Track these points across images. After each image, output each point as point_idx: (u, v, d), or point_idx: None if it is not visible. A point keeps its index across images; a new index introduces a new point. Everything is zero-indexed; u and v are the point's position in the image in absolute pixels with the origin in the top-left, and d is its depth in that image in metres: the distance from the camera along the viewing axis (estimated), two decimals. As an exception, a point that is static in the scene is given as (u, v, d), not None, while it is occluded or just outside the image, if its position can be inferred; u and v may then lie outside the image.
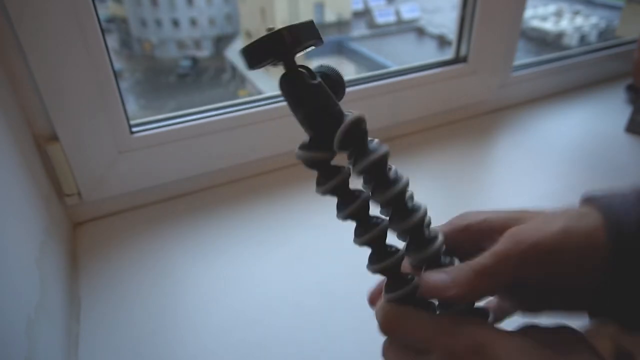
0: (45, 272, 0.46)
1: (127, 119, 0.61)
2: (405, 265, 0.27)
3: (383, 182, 0.25)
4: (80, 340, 0.48)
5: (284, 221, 0.64)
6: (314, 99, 0.24)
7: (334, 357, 0.46)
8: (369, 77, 0.78)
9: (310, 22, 0.24)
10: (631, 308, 0.24)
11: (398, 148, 0.77)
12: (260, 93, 0.77)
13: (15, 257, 0.40)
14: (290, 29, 0.23)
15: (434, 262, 0.26)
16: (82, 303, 0.52)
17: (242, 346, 0.47)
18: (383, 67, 1.35)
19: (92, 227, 0.63)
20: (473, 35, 0.82)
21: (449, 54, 0.86)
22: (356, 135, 0.24)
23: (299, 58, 0.25)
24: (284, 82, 0.24)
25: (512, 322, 0.27)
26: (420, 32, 8.10)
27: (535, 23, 6.09)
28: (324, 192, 0.26)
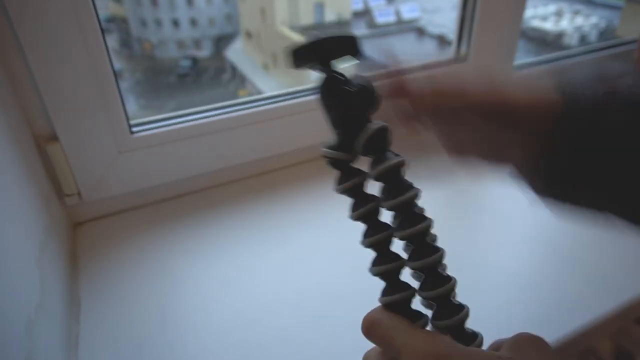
0: (45, 272, 0.46)
1: (127, 119, 0.61)
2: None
3: (394, 188, 0.26)
4: (80, 340, 0.48)
5: (284, 221, 0.64)
6: (347, 104, 0.26)
7: (334, 357, 0.46)
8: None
9: (352, 37, 0.26)
10: (560, 174, 0.25)
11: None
12: (260, 93, 0.77)
13: (15, 257, 0.40)
14: (334, 38, 0.26)
15: (433, 271, 0.26)
16: (82, 303, 0.52)
17: (242, 346, 0.47)
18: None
19: (92, 227, 0.63)
20: (473, 35, 0.82)
21: (449, 53, 0.86)
22: (379, 141, 0.26)
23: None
24: (323, 86, 0.27)
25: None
26: (420, 32, 8.11)
27: (536, 23, 6.09)
28: (341, 191, 0.28)
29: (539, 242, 0.60)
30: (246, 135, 0.69)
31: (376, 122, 0.26)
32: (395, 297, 0.26)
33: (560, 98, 0.24)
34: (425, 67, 0.28)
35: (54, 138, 0.56)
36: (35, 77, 0.51)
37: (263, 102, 0.70)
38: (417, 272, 0.27)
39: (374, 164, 0.26)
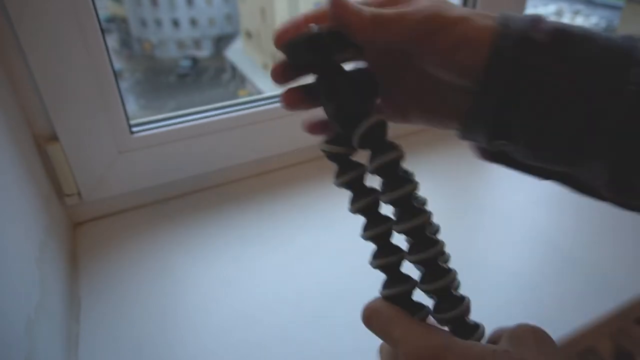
0: (45, 272, 0.46)
1: (127, 119, 0.61)
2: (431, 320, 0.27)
3: (392, 182, 0.26)
4: (80, 340, 0.48)
5: (284, 221, 0.64)
6: (343, 96, 0.26)
7: (334, 357, 0.46)
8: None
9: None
10: (498, 117, 0.24)
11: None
12: (260, 93, 0.77)
13: (15, 257, 0.40)
14: (330, 31, 0.25)
15: (433, 264, 0.26)
16: (82, 303, 0.52)
17: (242, 346, 0.47)
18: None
19: (92, 227, 0.63)
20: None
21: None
22: (374, 135, 0.25)
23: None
24: (318, 78, 0.26)
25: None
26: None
27: (536, 23, 6.08)
28: (340, 185, 0.28)
29: (539, 242, 0.60)
30: (246, 135, 0.69)
31: (374, 115, 0.25)
32: (394, 290, 0.26)
33: (495, 27, 0.24)
34: None
35: (54, 138, 0.56)
36: (35, 77, 0.51)
37: (263, 102, 0.70)
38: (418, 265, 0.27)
39: (371, 158, 0.26)
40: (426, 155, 0.77)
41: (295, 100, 0.28)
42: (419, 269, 0.27)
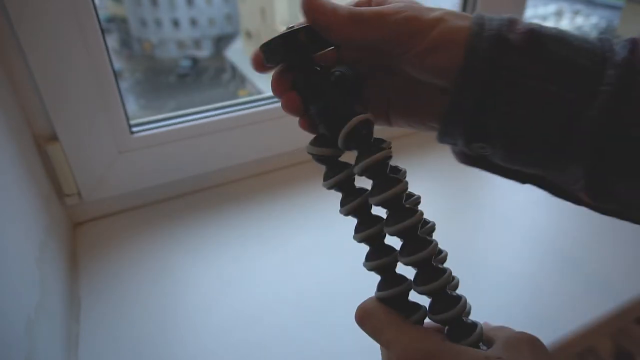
0: (45, 272, 0.46)
1: (127, 119, 0.61)
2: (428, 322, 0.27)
3: (380, 183, 0.25)
4: (80, 340, 0.48)
5: (284, 221, 0.64)
6: (325, 97, 0.25)
7: (334, 357, 0.46)
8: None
9: None
10: (476, 116, 0.24)
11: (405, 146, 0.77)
12: (260, 93, 0.77)
13: (15, 257, 0.40)
14: (307, 29, 0.25)
15: (426, 265, 0.26)
16: (82, 303, 0.52)
17: (242, 346, 0.47)
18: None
19: (92, 227, 0.63)
20: (473, 35, 0.81)
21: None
22: (359, 135, 0.25)
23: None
24: (298, 79, 0.26)
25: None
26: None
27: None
28: (329, 187, 0.27)
29: (539, 242, 0.60)
30: (246, 135, 0.69)
31: (359, 115, 0.25)
32: (388, 293, 0.26)
33: (470, 28, 0.24)
34: None
35: (54, 138, 0.56)
36: (35, 77, 0.51)
37: (263, 102, 0.70)
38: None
39: (357, 159, 0.25)
40: (426, 156, 0.77)
41: (295, 106, 0.27)
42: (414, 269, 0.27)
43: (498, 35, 0.23)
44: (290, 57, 0.25)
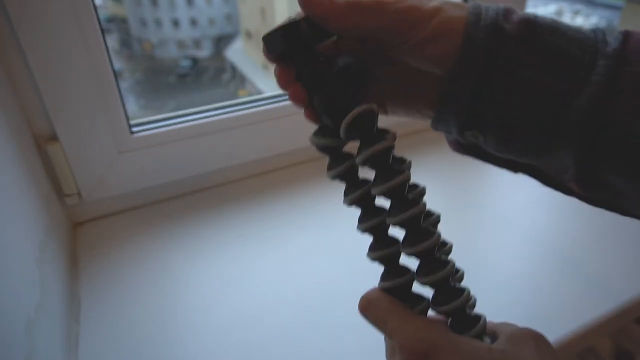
0: (45, 272, 0.46)
1: (127, 119, 0.61)
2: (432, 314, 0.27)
3: (382, 174, 0.25)
4: (80, 340, 0.48)
5: (284, 221, 0.64)
6: (327, 86, 0.25)
7: (334, 357, 0.46)
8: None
9: None
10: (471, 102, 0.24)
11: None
12: (260, 93, 0.77)
13: (15, 257, 0.40)
14: (308, 19, 0.24)
15: (429, 256, 0.25)
16: (82, 303, 0.52)
17: (242, 346, 0.47)
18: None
19: (92, 227, 0.63)
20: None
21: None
22: (361, 125, 0.25)
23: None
24: (301, 69, 0.26)
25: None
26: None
27: (536, 23, 6.08)
28: (332, 177, 0.27)
29: (539, 242, 0.60)
30: (246, 135, 0.69)
31: (361, 105, 0.25)
32: (392, 283, 0.26)
33: (467, 17, 0.24)
34: None
35: (54, 138, 0.56)
36: (35, 77, 0.51)
37: (263, 102, 0.70)
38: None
39: (359, 149, 0.25)
40: (426, 156, 0.77)
41: (300, 97, 0.27)
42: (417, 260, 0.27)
43: (494, 25, 0.24)
44: (292, 48, 0.25)
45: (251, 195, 0.69)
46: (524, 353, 0.23)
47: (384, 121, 0.25)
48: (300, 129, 0.71)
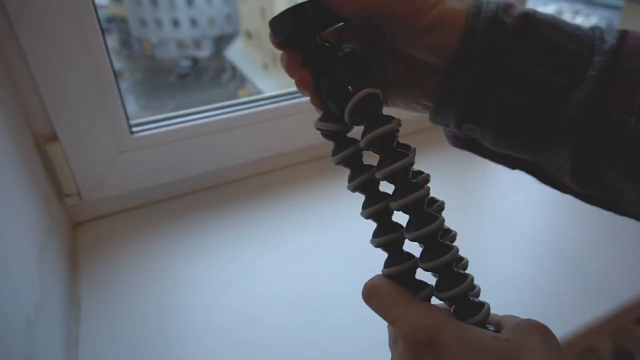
0: (45, 272, 0.46)
1: (127, 119, 0.61)
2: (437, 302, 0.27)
3: (386, 157, 0.25)
4: (80, 340, 0.48)
5: (284, 221, 0.64)
6: (332, 72, 0.25)
7: (334, 357, 0.46)
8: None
9: None
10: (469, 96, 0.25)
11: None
12: (260, 93, 0.77)
13: (15, 257, 0.40)
14: (315, 3, 0.25)
15: (433, 241, 0.25)
16: (82, 303, 0.52)
17: (242, 346, 0.47)
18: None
19: (92, 227, 0.63)
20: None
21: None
22: (365, 109, 0.25)
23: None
24: (307, 53, 0.26)
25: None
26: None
27: (535, 23, 6.08)
28: (336, 162, 0.27)
29: (539, 242, 0.60)
30: (246, 135, 0.69)
31: (365, 89, 0.25)
32: (395, 269, 0.26)
33: (468, 9, 0.24)
34: None
35: (54, 138, 0.56)
36: (35, 77, 0.51)
37: (263, 102, 0.70)
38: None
39: (363, 133, 0.25)
40: (425, 156, 0.77)
41: (307, 83, 0.27)
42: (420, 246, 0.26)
43: (494, 18, 0.24)
44: (297, 32, 0.25)
45: (251, 195, 0.69)
46: (529, 344, 0.23)
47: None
48: (300, 129, 0.71)
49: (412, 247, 0.26)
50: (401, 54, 0.27)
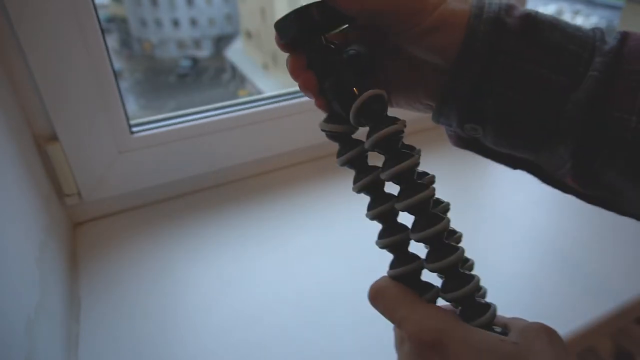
0: (45, 272, 0.46)
1: (127, 119, 0.61)
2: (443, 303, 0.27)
3: (390, 158, 0.25)
4: (80, 340, 0.48)
5: (284, 221, 0.64)
6: (337, 73, 0.25)
7: (334, 357, 0.46)
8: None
9: None
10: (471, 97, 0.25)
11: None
12: (260, 93, 0.77)
13: (15, 257, 0.40)
14: (320, 5, 0.25)
15: (438, 242, 0.25)
16: (82, 303, 0.52)
17: (242, 346, 0.47)
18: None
19: (92, 227, 0.63)
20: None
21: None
22: (369, 110, 0.25)
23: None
24: (312, 55, 0.26)
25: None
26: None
27: (536, 23, 6.08)
28: (341, 164, 0.27)
29: (539, 242, 0.60)
30: (246, 135, 0.69)
31: (370, 90, 0.25)
32: (401, 270, 0.26)
33: (470, 11, 0.25)
34: None
35: (54, 138, 0.56)
36: (35, 77, 0.51)
37: (263, 102, 0.70)
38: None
39: (368, 134, 0.25)
40: (426, 156, 0.77)
41: (311, 85, 0.27)
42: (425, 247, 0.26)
43: (496, 19, 0.24)
44: (303, 33, 0.25)
45: (251, 195, 0.69)
46: (537, 347, 0.22)
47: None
48: (300, 129, 0.71)
49: (418, 248, 0.26)
50: (405, 54, 0.27)
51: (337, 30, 0.27)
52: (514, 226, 0.63)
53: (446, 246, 0.25)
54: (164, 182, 0.66)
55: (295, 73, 0.27)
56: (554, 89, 0.23)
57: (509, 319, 0.27)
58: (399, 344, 0.26)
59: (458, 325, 0.23)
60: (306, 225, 0.63)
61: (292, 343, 0.47)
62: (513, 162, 0.29)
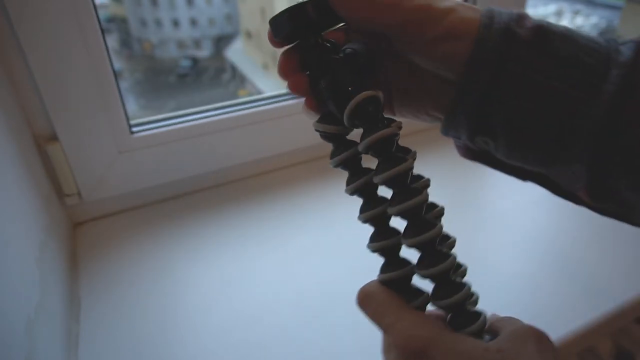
0: (45, 272, 0.46)
1: (127, 119, 0.61)
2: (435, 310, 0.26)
3: (383, 161, 0.25)
4: (80, 340, 0.48)
5: (284, 221, 0.64)
6: (332, 72, 0.25)
7: (334, 357, 0.46)
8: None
9: None
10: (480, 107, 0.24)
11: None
12: (260, 93, 0.77)
13: (15, 257, 0.40)
14: (316, 3, 0.24)
15: (430, 248, 0.25)
16: (82, 303, 0.52)
17: (242, 346, 0.47)
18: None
19: (92, 227, 0.63)
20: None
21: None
22: (364, 111, 0.24)
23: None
24: (306, 53, 0.25)
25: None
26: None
27: (535, 23, 6.07)
28: (334, 165, 0.27)
29: (539, 242, 0.60)
30: (246, 135, 0.69)
31: (365, 91, 0.24)
32: (391, 275, 0.25)
33: (480, 20, 0.24)
34: None
35: (54, 138, 0.56)
36: (35, 77, 0.51)
37: (263, 102, 0.70)
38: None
39: (362, 136, 0.25)
40: (425, 155, 0.77)
41: (301, 86, 0.27)
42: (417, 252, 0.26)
43: (507, 29, 0.24)
44: (297, 31, 0.25)
45: (251, 195, 0.69)
46: (523, 354, 0.22)
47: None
48: (300, 129, 0.71)
49: (410, 253, 0.26)
50: (409, 63, 0.27)
51: (333, 29, 0.26)
52: (513, 226, 0.63)
53: (438, 253, 0.25)
54: (164, 182, 0.66)
55: (284, 73, 0.27)
56: (565, 100, 0.23)
57: (501, 319, 0.26)
58: (386, 350, 0.26)
59: (444, 334, 0.23)
60: (306, 225, 0.63)
61: (292, 343, 0.47)
62: (523, 175, 0.28)
